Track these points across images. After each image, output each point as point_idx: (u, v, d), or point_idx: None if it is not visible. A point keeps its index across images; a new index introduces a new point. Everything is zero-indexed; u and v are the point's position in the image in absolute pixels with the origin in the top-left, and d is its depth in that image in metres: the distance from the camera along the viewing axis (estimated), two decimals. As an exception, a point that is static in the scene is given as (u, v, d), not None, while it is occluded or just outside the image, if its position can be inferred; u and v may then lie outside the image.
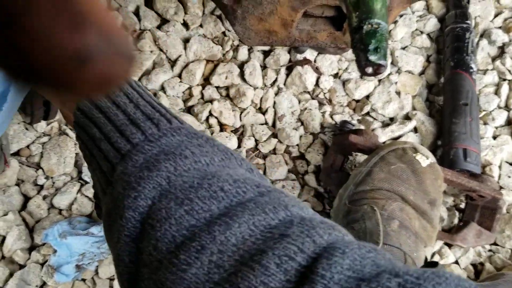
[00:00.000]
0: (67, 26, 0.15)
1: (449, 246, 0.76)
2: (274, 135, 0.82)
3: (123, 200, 0.31)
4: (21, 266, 0.67)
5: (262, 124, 0.83)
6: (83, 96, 0.18)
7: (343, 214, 0.67)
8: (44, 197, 0.72)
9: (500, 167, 0.82)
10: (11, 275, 0.66)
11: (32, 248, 0.69)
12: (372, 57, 0.35)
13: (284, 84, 0.86)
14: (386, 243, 0.61)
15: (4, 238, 0.68)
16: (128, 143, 0.35)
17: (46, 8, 0.15)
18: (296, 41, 0.55)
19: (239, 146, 0.81)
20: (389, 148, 0.68)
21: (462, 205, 0.80)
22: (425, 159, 0.67)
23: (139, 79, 0.81)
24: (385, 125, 0.84)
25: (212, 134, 0.80)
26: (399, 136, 0.83)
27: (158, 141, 0.34)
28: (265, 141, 0.81)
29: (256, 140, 0.81)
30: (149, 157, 0.33)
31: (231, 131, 0.82)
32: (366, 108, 0.85)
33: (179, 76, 0.83)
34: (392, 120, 0.86)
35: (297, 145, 0.82)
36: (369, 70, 0.36)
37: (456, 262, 0.75)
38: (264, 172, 0.79)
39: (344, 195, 0.70)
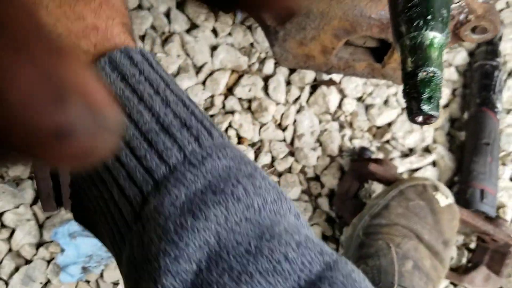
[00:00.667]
0: (49, 98, 0.14)
1: (455, 285, 0.76)
2: (291, 154, 0.82)
3: (159, 258, 0.25)
4: (28, 261, 0.67)
5: (280, 141, 0.82)
6: (61, 166, 0.17)
7: (356, 246, 0.67)
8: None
9: (514, 210, 0.82)
10: (17, 269, 0.66)
11: (40, 244, 0.68)
12: (425, 107, 0.34)
13: (307, 103, 0.85)
14: (400, 284, 0.60)
15: (13, 231, 0.67)
16: (162, 163, 0.27)
17: (27, 80, 0.14)
18: (333, 68, 0.54)
19: (255, 161, 0.80)
20: (409, 183, 0.67)
21: (472, 245, 0.79)
22: (445, 198, 0.66)
23: (163, 82, 0.80)
24: (403, 155, 0.84)
25: (230, 145, 0.79)
26: (418, 169, 0.82)
27: (202, 166, 0.27)
28: (281, 158, 0.80)
29: (272, 157, 0.81)
30: (192, 194, 0.26)
31: (249, 144, 0.81)
32: (387, 136, 0.84)
33: (203, 83, 0.83)
34: (411, 151, 0.85)
35: (314, 166, 0.81)
36: (419, 119, 0.35)
37: (462, 303, 0.75)
38: (278, 190, 0.78)
39: (358, 225, 0.69)
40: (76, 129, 0.15)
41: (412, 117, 0.35)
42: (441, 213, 0.66)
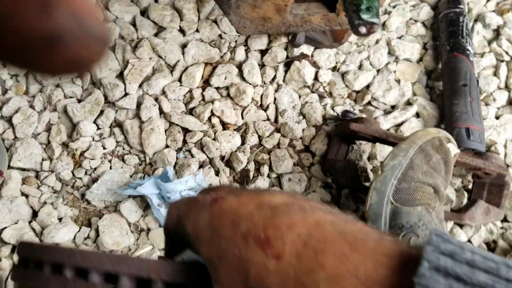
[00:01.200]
0: (37, 7, 0.15)
1: (461, 226, 0.76)
2: (277, 130, 0.83)
3: None
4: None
5: (264, 120, 0.83)
6: (54, 76, 0.17)
7: (390, 213, 0.63)
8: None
9: (505, 146, 0.82)
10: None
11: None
12: (365, 16, 0.35)
13: (283, 81, 0.86)
14: None
15: (14, 247, 0.68)
16: None
17: None
18: (291, 26, 0.55)
19: (243, 143, 0.81)
20: (425, 138, 0.65)
21: (470, 186, 0.79)
22: (455, 148, 0.67)
23: (140, 85, 0.82)
24: (387, 113, 0.85)
25: (215, 133, 0.80)
26: (402, 122, 0.83)
27: None
28: (268, 136, 0.81)
29: (259, 136, 0.82)
30: None
31: (234, 129, 0.82)
32: (367, 98, 0.85)
33: (179, 80, 0.84)
34: (393, 107, 0.86)
35: (301, 138, 0.82)
36: (363, 30, 0.36)
37: (469, 241, 0.75)
38: (270, 167, 0.79)
39: (384, 190, 0.64)
40: (64, 34, 0.15)
41: (355, 29, 0.36)
42: (451, 163, 0.67)
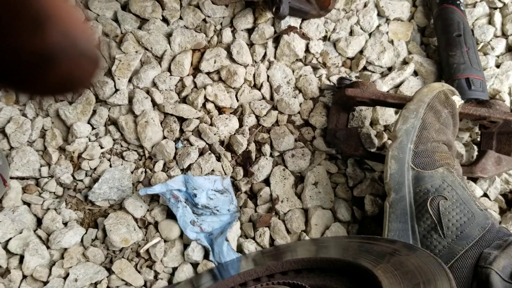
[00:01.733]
0: (30, 27, 0.15)
1: (474, 180, 0.73)
2: (274, 108, 0.81)
3: None
4: (45, 283, 0.66)
5: (259, 100, 0.81)
6: (49, 96, 0.17)
7: (412, 179, 0.61)
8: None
9: (509, 93, 0.80)
10: (36, 292, 0.65)
11: (52, 263, 0.68)
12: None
13: (275, 57, 0.84)
14: (480, 208, 0.59)
15: (22, 257, 0.67)
16: None
17: (7, 8, 0.14)
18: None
19: (241, 126, 0.79)
20: (431, 94, 0.63)
21: (479, 139, 0.77)
22: (459, 100, 0.65)
23: (129, 80, 0.80)
24: (384, 75, 0.82)
25: (211, 119, 0.78)
26: (401, 83, 0.81)
27: None
28: (265, 115, 0.80)
29: (256, 116, 0.80)
30: None
31: (230, 112, 0.80)
32: (362, 63, 0.83)
33: (169, 70, 0.82)
34: (390, 69, 0.84)
35: (299, 112, 0.80)
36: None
37: (485, 195, 0.72)
38: (271, 146, 0.77)
39: (403, 157, 0.62)
40: (57, 54, 0.15)
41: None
42: (457, 114, 0.65)
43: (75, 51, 0.16)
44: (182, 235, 0.70)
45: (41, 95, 0.17)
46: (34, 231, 0.69)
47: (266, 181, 0.76)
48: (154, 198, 0.73)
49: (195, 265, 0.69)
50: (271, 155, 0.78)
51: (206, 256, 0.69)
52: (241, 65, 0.82)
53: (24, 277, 0.66)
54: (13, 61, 0.15)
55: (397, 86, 0.81)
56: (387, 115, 0.78)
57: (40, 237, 0.69)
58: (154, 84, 0.81)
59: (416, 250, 0.53)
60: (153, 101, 0.79)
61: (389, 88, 0.81)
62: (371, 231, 0.69)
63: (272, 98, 0.82)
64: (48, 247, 0.68)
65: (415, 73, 0.82)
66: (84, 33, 0.16)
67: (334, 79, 0.82)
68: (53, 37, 0.15)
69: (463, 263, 0.55)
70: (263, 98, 0.82)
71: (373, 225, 0.70)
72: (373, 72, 0.83)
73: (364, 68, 0.84)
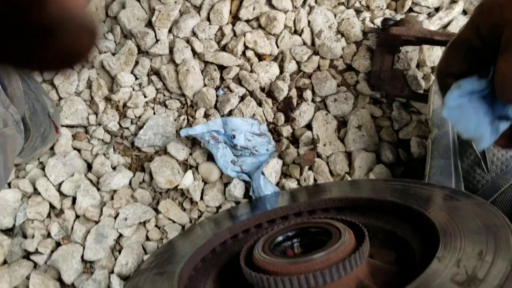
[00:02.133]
0: (28, 1, 0.15)
1: None
2: (315, 53, 0.79)
3: None
4: (96, 222, 0.69)
5: (300, 45, 0.80)
6: (49, 71, 0.17)
7: None
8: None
9: None
10: (88, 231, 0.68)
11: (103, 203, 0.71)
12: None
13: (316, 2, 0.82)
14: None
15: (74, 198, 0.70)
16: None
17: None
18: None
19: (281, 72, 0.78)
20: None
21: None
22: None
23: (169, 30, 0.81)
24: (431, 16, 0.78)
25: (251, 66, 0.78)
26: (449, 22, 0.77)
27: None
28: (307, 60, 0.78)
29: (297, 62, 0.78)
30: None
31: (271, 60, 0.79)
32: (408, 4, 0.79)
33: (208, 19, 0.82)
34: (437, 9, 0.79)
35: (341, 57, 0.78)
36: None
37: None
38: (313, 91, 0.76)
39: None
40: (56, 28, 0.15)
41: None
42: None
43: (74, 24, 0.16)
44: (221, 176, 0.71)
45: (41, 70, 0.17)
46: (85, 174, 0.72)
47: (308, 126, 0.75)
48: (195, 142, 0.74)
49: (237, 203, 0.70)
50: (312, 100, 0.76)
51: (245, 196, 0.70)
52: (280, 11, 0.81)
53: (77, 216, 0.70)
54: (12, 37, 0.15)
55: (445, 26, 0.77)
56: (434, 56, 0.75)
57: (90, 180, 0.72)
58: (194, 34, 0.81)
59: (468, 196, 0.51)
60: (193, 50, 0.79)
61: (436, 29, 0.77)
62: (417, 174, 0.67)
63: (313, 43, 0.80)
64: (98, 189, 0.71)
65: (464, 12, 0.78)
66: (82, 7, 0.16)
67: (378, 21, 0.79)
68: (52, 11, 0.15)
69: (506, 196, 0.53)
70: (304, 43, 0.80)
71: (419, 168, 0.68)
72: (420, 13, 0.79)
73: (410, 10, 0.80)
